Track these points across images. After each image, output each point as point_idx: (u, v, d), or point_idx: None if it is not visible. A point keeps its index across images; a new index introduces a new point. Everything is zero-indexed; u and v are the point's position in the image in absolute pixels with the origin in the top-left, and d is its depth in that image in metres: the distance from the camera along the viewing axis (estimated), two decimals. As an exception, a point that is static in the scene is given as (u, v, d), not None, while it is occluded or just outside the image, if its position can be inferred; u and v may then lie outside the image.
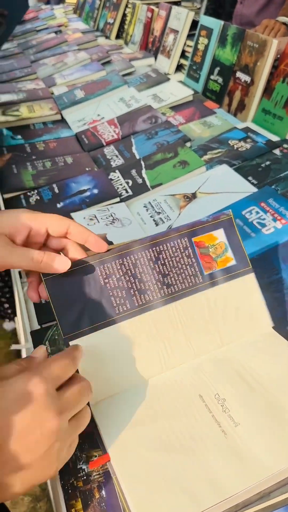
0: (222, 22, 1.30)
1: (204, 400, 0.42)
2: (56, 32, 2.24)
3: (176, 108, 1.23)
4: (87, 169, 0.97)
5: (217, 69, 1.31)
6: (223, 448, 0.38)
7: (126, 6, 2.09)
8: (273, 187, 0.81)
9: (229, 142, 0.99)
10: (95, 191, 0.87)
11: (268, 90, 1.13)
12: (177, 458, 0.38)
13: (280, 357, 0.46)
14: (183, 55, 1.58)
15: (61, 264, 0.43)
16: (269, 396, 0.41)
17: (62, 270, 0.43)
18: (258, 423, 0.39)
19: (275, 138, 1.04)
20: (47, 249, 0.46)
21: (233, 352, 0.46)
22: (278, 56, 1.11)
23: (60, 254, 0.44)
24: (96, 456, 0.42)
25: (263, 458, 0.37)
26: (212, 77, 1.33)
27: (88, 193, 0.87)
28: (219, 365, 0.45)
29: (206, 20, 1.38)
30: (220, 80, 1.29)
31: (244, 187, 0.82)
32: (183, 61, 1.58)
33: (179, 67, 1.62)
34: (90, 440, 0.43)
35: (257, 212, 0.73)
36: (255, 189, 0.80)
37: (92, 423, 0.42)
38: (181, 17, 1.55)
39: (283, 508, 0.38)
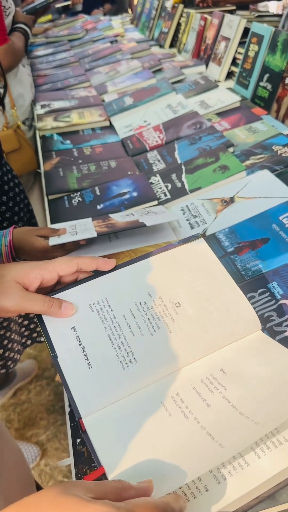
0: (273, 29, 1.29)
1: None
2: (112, 42, 2.31)
3: (222, 114, 1.23)
4: (129, 172, 0.99)
5: (266, 76, 1.30)
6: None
7: (181, 15, 2.11)
8: (314, 193, 0.79)
9: (273, 147, 0.98)
10: (134, 194, 0.90)
11: None
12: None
13: (271, 357, 0.46)
14: (234, 62, 1.58)
15: (66, 310, 0.48)
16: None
17: (67, 315, 0.48)
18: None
19: None
20: (61, 285, 0.52)
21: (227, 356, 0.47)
22: None
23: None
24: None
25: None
26: (261, 83, 1.32)
27: (127, 196, 0.90)
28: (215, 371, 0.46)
29: (258, 27, 1.38)
30: (269, 86, 1.28)
31: (284, 193, 0.80)
32: (233, 68, 1.58)
33: (230, 74, 1.61)
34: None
35: (295, 218, 0.72)
36: (294, 195, 0.79)
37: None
38: (233, 25, 1.55)
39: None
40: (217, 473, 0.36)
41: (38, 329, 1.37)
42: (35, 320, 1.20)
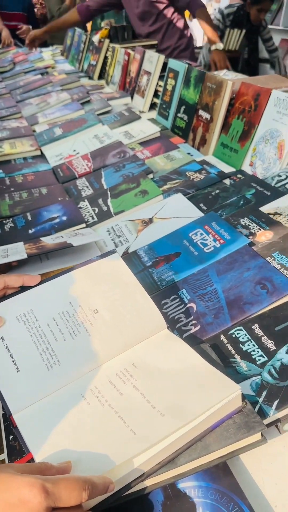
0: (186, 65, 1.44)
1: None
2: (42, 74, 2.41)
3: (144, 143, 1.35)
4: (59, 198, 1.07)
5: (183, 108, 1.44)
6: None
7: (107, 49, 2.26)
8: (219, 212, 0.91)
9: (187, 173, 1.10)
10: (64, 218, 0.97)
11: (225, 126, 1.25)
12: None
13: (174, 351, 0.55)
14: (156, 94, 1.72)
15: None
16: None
17: None
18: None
19: (232, 170, 1.16)
20: None
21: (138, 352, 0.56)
22: (234, 95, 1.24)
23: None
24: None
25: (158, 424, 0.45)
26: (179, 114, 1.46)
27: (57, 220, 0.97)
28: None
29: (173, 63, 1.53)
30: (185, 117, 1.42)
31: (194, 213, 0.92)
32: (156, 100, 1.72)
33: (153, 105, 1.75)
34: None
35: (201, 234, 0.83)
36: (203, 214, 0.90)
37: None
38: (153, 60, 1.70)
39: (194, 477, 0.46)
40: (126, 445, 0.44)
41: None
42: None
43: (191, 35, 2.47)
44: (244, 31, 2.68)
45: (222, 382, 0.48)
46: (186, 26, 2.44)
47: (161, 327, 0.59)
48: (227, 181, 1.05)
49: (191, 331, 0.64)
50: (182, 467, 0.45)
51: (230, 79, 1.23)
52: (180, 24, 2.39)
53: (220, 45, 2.33)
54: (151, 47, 2.18)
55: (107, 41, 2.25)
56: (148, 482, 0.44)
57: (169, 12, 2.35)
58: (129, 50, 1.96)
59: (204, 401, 0.46)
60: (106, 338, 0.56)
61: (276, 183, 0.99)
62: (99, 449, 0.44)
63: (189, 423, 0.45)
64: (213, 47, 2.33)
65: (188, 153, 1.26)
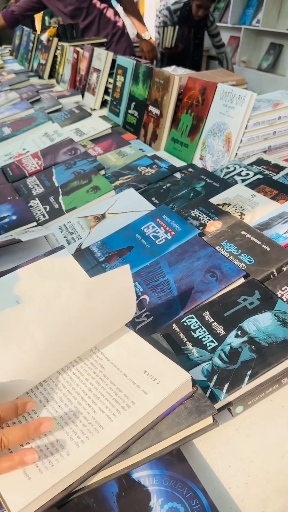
0: (134, 62, 1.44)
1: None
2: (-9, 74, 2.35)
3: (96, 140, 1.34)
4: (9, 198, 1.05)
5: (133, 104, 1.44)
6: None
7: (56, 48, 2.23)
8: (171, 205, 0.92)
9: (138, 168, 1.10)
10: (14, 217, 0.95)
11: (175, 121, 1.26)
12: None
13: (124, 343, 0.55)
14: (106, 91, 1.72)
15: None
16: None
17: None
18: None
19: (183, 164, 1.17)
20: None
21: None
22: (182, 90, 1.25)
23: None
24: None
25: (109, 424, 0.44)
26: (129, 111, 1.46)
27: (7, 220, 0.95)
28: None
29: (122, 60, 1.53)
30: (136, 113, 1.42)
31: (146, 207, 0.92)
32: (107, 97, 1.71)
33: (105, 103, 1.74)
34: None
35: (153, 227, 0.83)
36: (155, 208, 0.91)
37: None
38: (102, 58, 1.69)
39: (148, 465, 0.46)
40: (76, 439, 0.44)
41: None
42: None
43: (122, 21, 2.52)
44: (177, 27, 2.74)
45: (172, 369, 0.48)
46: (116, 13, 2.49)
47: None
48: (178, 175, 1.06)
49: (144, 323, 0.64)
50: (135, 457, 0.45)
51: (178, 74, 1.24)
52: (110, 13, 2.44)
53: (147, 35, 2.43)
54: (100, 45, 2.17)
55: (55, 39, 2.22)
56: (102, 474, 0.44)
57: (97, 3, 2.39)
58: (78, 48, 1.94)
59: (154, 389, 0.46)
60: (55, 336, 0.55)
61: (224, 175, 1.01)
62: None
63: (141, 414, 0.45)
64: (142, 37, 2.44)
65: (140, 149, 1.27)
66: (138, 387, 0.47)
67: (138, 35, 2.55)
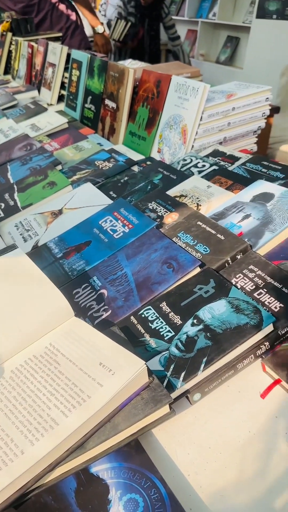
0: (89, 55, 1.43)
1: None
2: None
3: (52, 135, 1.32)
4: None
5: (89, 98, 1.42)
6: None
7: (11, 43, 2.17)
8: (128, 198, 0.92)
9: (96, 162, 1.09)
10: None
11: (132, 115, 1.26)
12: None
13: (82, 338, 0.54)
14: (63, 86, 1.69)
15: None
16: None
17: None
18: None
19: (142, 157, 1.16)
20: None
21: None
22: (137, 83, 1.25)
23: None
24: None
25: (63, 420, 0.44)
26: (86, 105, 1.44)
27: None
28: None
29: (76, 54, 1.51)
30: (93, 107, 1.41)
31: (104, 201, 0.91)
32: (63, 92, 1.69)
33: (62, 97, 1.72)
34: None
35: (111, 221, 0.83)
36: (112, 202, 0.90)
37: None
38: (56, 52, 1.66)
39: (107, 459, 0.45)
40: (31, 437, 0.43)
41: None
42: None
43: (76, 14, 2.50)
44: (129, 24, 2.73)
45: (127, 359, 0.48)
46: (68, 7, 2.46)
47: (68, 315, 0.57)
48: (135, 168, 1.06)
49: (103, 317, 0.64)
50: (92, 451, 0.44)
51: (133, 67, 1.23)
52: (62, 7, 2.43)
53: (100, 28, 2.42)
54: (55, 39, 2.14)
55: (9, 34, 2.17)
56: (59, 471, 0.43)
57: None
58: (32, 43, 1.90)
59: (110, 381, 0.46)
60: (7, 333, 0.54)
61: (181, 167, 1.01)
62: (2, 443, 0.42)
63: (96, 407, 0.44)
64: (95, 31, 2.44)
65: (98, 143, 1.25)
66: (93, 380, 0.47)
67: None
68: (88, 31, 2.66)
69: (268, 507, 0.42)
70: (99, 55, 1.95)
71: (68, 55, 1.62)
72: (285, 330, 0.55)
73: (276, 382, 0.52)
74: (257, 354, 0.54)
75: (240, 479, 0.45)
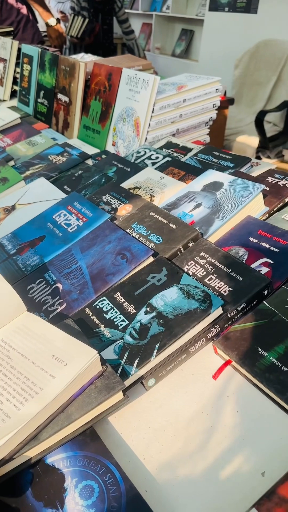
0: (39, 49, 1.41)
1: None
2: None
3: (4, 131, 1.29)
4: None
5: (42, 93, 1.41)
6: None
7: None
8: (83, 192, 0.91)
9: (49, 157, 1.08)
10: None
11: (85, 108, 1.25)
12: None
13: (35, 332, 0.54)
14: (15, 81, 1.66)
15: None
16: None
17: None
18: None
19: (97, 151, 1.16)
20: None
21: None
22: (89, 77, 1.24)
23: None
24: None
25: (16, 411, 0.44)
26: (39, 100, 1.42)
27: None
28: None
29: (27, 48, 1.48)
30: (45, 102, 1.39)
31: (58, 195, 0.91)
32: (16, 88, 1.66)
33: (15, 93, 1.68)
34: None
35: (65, 215, 0.82)
36: (66, 196, 0.90)
37: None
38: (7, 47, 1.63)
39: (68, 448, 0.46)
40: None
41: None
42: None
43: (27, 7, 2.45)
44: (87, 20, 2.71)
45: (79, 349, 0.48)
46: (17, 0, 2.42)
47: (20, 310, 0.57)
48: (90, 162, 1.06)
49: (58, 310, 0.64)
50: (46, 442, 0.45)
51: (84, 61, 1.22)
52: (12, 0, 2.36)
53: (53, 21, 2.41)
54: (7, 34, 2.09)
55: None
56: (13, 464, 0.43)
57: None
58: (-19, 37, 1.85)
59: (62, 372, 0.46)
60: None
61: (135, 160, 1.02)
62: None
63: (49, 398, 0.44)
64: (47, 24, 2.44)
65: (53, 138, 1.24)
66: (46, 372, 0.47)
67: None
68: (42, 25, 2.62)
69: (221, 483, 0.44)
70: (51, 49, 1.93)
71: (19, 50, 1.59)
72: (234, 313, 0.57)
73: (227, 363, 0.54)
74: (208, 337, 0.56)
75: (193, 459, 0.46)
